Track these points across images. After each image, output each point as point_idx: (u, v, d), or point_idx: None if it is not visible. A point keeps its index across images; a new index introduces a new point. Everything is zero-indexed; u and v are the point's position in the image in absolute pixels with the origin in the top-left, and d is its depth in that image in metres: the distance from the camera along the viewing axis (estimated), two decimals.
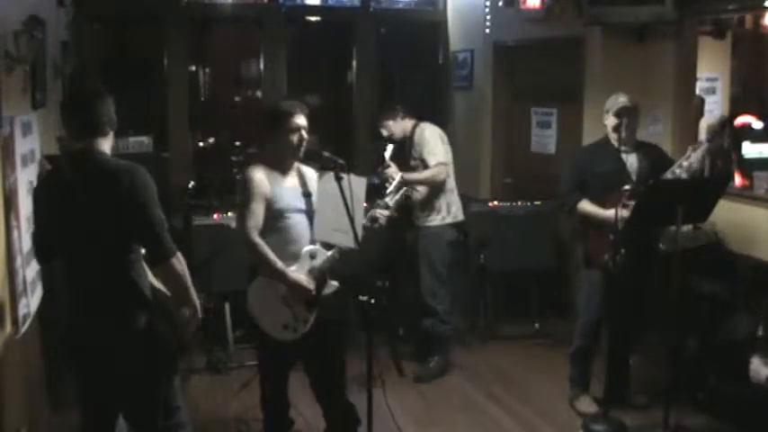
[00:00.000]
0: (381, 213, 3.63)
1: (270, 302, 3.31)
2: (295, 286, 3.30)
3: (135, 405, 2.86)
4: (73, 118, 2.78)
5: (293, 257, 3.36)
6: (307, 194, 3.46)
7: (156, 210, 2.68)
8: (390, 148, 4.73)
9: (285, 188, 3.39)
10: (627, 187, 3.94)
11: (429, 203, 4.79)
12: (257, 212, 3.31)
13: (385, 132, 4.93)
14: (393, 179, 4.14)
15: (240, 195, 3.37)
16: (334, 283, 3.43)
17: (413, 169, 4.79)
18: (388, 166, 4.63)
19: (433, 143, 4.77)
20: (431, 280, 4.84)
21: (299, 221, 3.39)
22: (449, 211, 4.83)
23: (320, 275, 3.38)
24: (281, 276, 3.29)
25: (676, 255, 3.84)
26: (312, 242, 3.41)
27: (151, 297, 2.79)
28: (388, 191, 3.89)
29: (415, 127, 4.90)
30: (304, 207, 3.43)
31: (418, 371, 4.90)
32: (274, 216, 3.34)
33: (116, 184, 2.63)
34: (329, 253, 3.39)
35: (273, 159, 3.42)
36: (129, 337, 2.71)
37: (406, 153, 4.89)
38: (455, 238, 4.92)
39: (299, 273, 3.34)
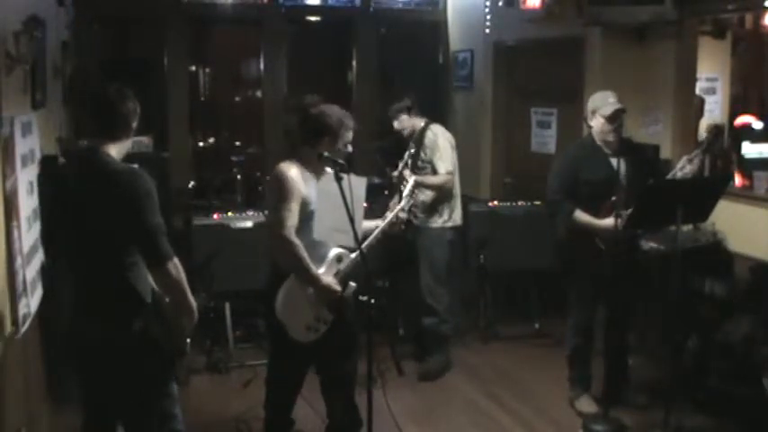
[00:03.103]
0: (400, 216, 3.68)
1: (297, 304, 3.30)
2: (326, 290, 3.30)
3: (129, 409, 2.83)
4: (89, 116, 2.78)
5: (320, 259, 3.35)
6: None
7: (153, 214, 2.63)
8: (408, 154, 4.71)
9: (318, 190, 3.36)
10: (614, 198, 3.90)
11: (432, 207, 4.81)
12: (295, 212, 3.27)
13: (396, 125, 4.93)
14: (407, 183, 4.10)
15: (277, 193, 3.30)
16: (353, 285, 3.43)
17: (419, 170, 4.79)
18: (404, 171, 4.65)
19: (444, 150, 4.77)
20: (431, 280, 4.86)
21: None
22: (450, 215, 4.87)
23: (344, 279, 3.39)
24: (314, 279, 3.29)
25: (676, 255, 3.84)
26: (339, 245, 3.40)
27: (151, 302, 2.76)
28: (404, 194, 3.88)
29: (426, 127, 4.89)
30: None
31: (422, 369, 4.90)
32: (306, 217, 3.31)
33: (114, 186, 2.62)
34: (353, 256, 3.39)
35: (311, 161, 3.35)
36: (124, 339, 2.68)
37: (412, 152, 4.85)
38: (454, 238, 4.94)
39: (326, 276, 3.34)
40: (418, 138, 4.88)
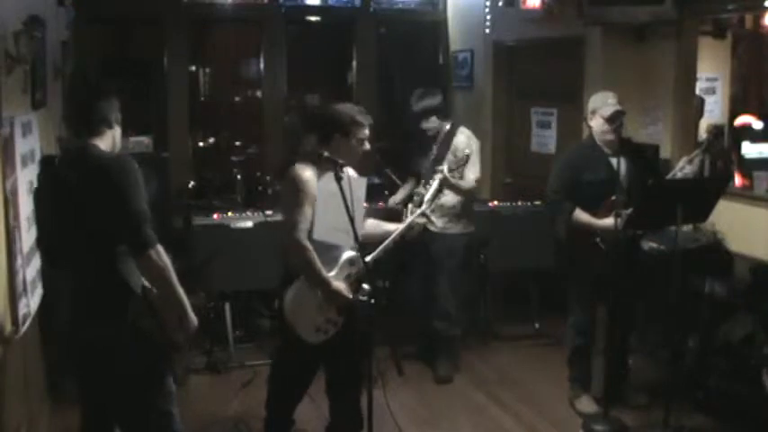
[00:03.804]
0: (418, 221, 3.66)
1: (306, 306, 3.29)
2: (335, 294, 3.29)
3: (124, 406, 2.79)
4: (69, 115, 2.79)
5: (332, 262, 3.34)
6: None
7: (135, 199, 2.60)
8: (453, 161, 4.47)
9: None
10: (614, 197, 3.90)
11: (452, 212, 4.75)
12: (308, 215, 3.25)
13: (424, 124, 4.75)
14: (430, 186, 3.97)
15: (291, 196, 3.28)
16: (367, 287, 3.38)
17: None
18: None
19: (476, 157, 4.68)
20: (448, 284, 4.83)
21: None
22: (468, 222, 4.84)
23: (356, 282, 3.38)
24: (324, 284, 3.27)
25: (676, 255, 3.84)
26: (352, 248, 3.38)
27: (141, 294, 2.73)
28: (426, 198, 3.85)
29: (454, 129, 4.80)
30: None
31: (439, 375, 4.86)
32: None
33: (101, 174, 2.62)
34: (367, 259, 3.38)
35: (324, 161, 3.29)
36: (114, 332, 2.67)
37: (435, 152, 4.76)
38: (467, 244, 4.93)
39: (337, 279, 3.33)
40: (445, 140, 4.77)
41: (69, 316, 2.78)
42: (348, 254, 3.37)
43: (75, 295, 2.77)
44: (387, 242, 3.52)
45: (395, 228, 3.61)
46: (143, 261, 2.64)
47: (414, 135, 4.92)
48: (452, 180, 4.20)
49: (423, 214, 3.71)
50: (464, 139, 4.76)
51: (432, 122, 4.76)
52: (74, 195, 2.66)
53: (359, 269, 3.39)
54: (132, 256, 2.66)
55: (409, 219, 3.66)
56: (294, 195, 3.27)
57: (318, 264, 3.25)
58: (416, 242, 4.07)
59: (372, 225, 3.62)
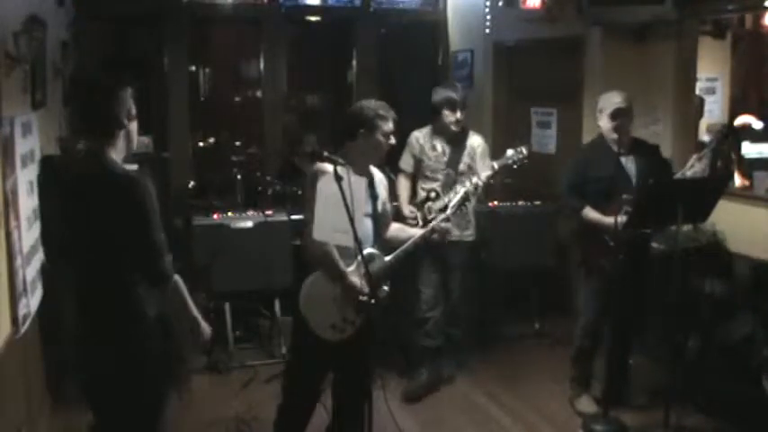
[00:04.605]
0: (441, 226, 3.66)
1: (322, 301, 3.29)
2: (351, 289, 3.29)
3: (123, 423, 2.70)
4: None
5: (350, 257, 3.33)
6: (374, 197, 3.43)
7: (153, 228, 2.50)
8: (490, 172, 4.34)
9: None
10: (625, 196, 3.92)
11: (467, 218, 4.73)
12: None
13: (457, 116, 4.57)
14: (457, 193, 4.01)
15: (311, 190, 3.27)
16: (386, 288, 3.40)
17: (460, 174, 4.60)
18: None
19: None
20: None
21: (363, 223, 3.31)
22: (474, 226, 4.82)
23: (375, 280, 3.34)
24: (341, 276, 3.28)
25: (676, 255, 3.84)
26: (372, 245, 3.39)
27: (155, 316, 2.65)
28: (451, 204, 3.86)
29: (466, 129, 4.73)
30: (370, 209, 3.39)
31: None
32: None
33: (114, 195, 2.49)
34: (387, 258, 3.38)
35: (351, 158, 3.29)
36: (122, 356, 2.59)
37: (449, 153, 4.66)
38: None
39: (354, 275, 3.32)
40: (460, 139, 4.68)
41: (74, 327, 2.70)
42: (367, 251, 3.34)
43: (79, 300, 2.67)
44: (407, 244, 3.53)
45: (418, 232, 3.64)
46: (160, 293, 2.60)
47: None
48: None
49: (448, 220, 3.71)
50: (480, 141, 4.72)
51: (459, 115, 4.58)
52: (87, 214, 2.54)
53: (379, 267, 3.38)
54: (149, 287, 2.60)
55: (432, 223, 3.68)
56: (312, 190, 3.28)
57: (336, 257, 3.27)
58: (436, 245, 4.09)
59: (397, 229, 3.65)
